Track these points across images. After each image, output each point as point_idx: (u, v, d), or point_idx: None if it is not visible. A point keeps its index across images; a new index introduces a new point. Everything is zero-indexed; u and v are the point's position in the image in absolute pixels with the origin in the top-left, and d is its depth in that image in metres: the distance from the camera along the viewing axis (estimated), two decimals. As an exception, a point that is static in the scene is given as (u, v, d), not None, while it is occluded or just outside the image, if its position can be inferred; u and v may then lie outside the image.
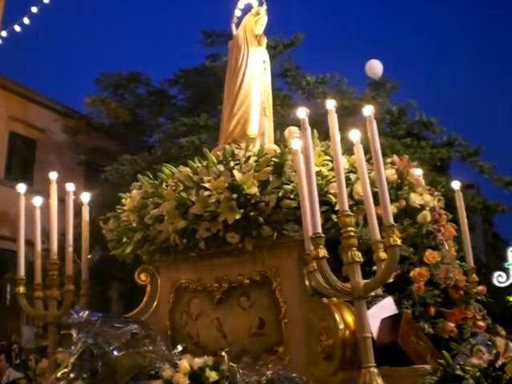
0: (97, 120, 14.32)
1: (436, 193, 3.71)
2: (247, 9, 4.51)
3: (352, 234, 2.77)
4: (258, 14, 4.37)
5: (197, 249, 3.60)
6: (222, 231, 3.45)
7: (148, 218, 3.72)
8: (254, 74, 4.19)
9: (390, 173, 3.50)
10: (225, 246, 3.57)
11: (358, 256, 2.76)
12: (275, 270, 3.48)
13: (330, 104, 2.93)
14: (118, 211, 4.01)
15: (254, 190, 3.38)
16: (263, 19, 4.38)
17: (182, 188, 3.59)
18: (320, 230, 2.75)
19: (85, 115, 14.42)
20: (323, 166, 3.45)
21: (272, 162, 3.42)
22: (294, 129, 3.76)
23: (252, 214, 3.34)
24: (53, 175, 3.94)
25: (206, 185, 3.49)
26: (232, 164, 3.50)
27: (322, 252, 2.73)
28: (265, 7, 4.40)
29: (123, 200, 4.05)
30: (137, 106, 14.45)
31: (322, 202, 3.32)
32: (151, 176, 3.97)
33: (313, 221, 2.76)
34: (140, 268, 4.00)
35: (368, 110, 2.94)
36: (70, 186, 3.88)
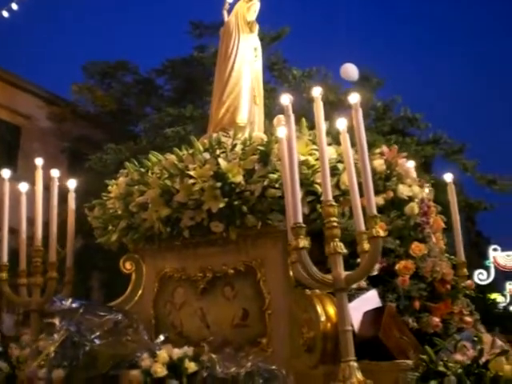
0: (83, 108, 14.16)
1: (426, 184, 3.64)
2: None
3: (335, 224, 2.71)
4: (250, 0, 4.29)
5: (181, 238, 3.54)
6: (206, 220, 3.40)
7: (133, 205, 3.67)
8: (245, 61, 4.11)
9: (378, 163, 3.44)
10: (209, 236, 3.51)
11: (340, 247, 2.70)
12: (260, 260, 3.42)
13: (316, 91, 2.86)
14: (104, 198, 3.96)
15: (239, 178, 3.31)
16: (256, 5, 4.29)
17: (166, 176, 3.52)
18: (301, 219, 2.69)
19: (71, 103, 14.19)
20: (310, 155, 3.38)
21: (258, 151, 3.35)
22: (282, 117, 3.68)
23: (236, 203, 3.28)
24: (38, 161, 3.89)
25: (191, 173, 3.43)
26: (218, 152, 3.43)
27: (303, 242, 2.66)
28: None
29: (109, 187, 4.00)
30: (123, 95, 14.25)
31: (308, 192, 3.28)
32: (137, 164, 3.90)
33: (294, 210, 2.70)
34: (125, 256, 3.94)
35: (354, 98, 2.87)
36: (55, 172, 3.83)
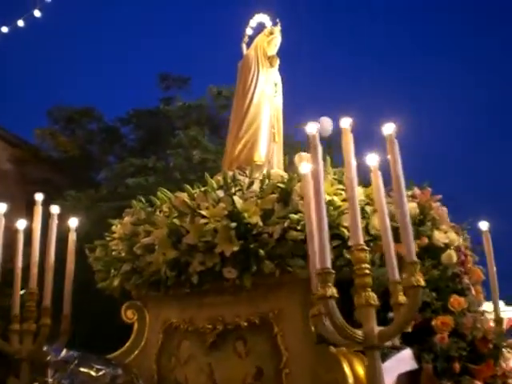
0: (45, 152, 14.25)
1: (461, 231, 3.30)
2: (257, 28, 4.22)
3: (367, 271, 2.37)
4: (271, 33, 4.07)
5: (189, 284, 3.19)
6: (218, 265, 3.05)
7: (138, 247, 3.34)
8: (264, 97, 3.86)
9: (411, 206, 3.10)
10: (220, 282, 3.16)
11: (373, 298, 2.35)
12: (277, 312, 3.05)
13: (345, 123, 2.57)
14: (107, 239, 3.64)
15: (256, 219, 2.99)
16: (277, 40, 4.08)
17: (176, 215, 3.21)
18: (329, 264, 2.34)
19: (33, 146, 14.31)
20: (336, 195, 3.06)
21: (278, 189, 3.04)
22: (304, 155, 3.39)
23: (252, 246, 2.95)
24: (39, 196, 3.61)
25: (203, 212, 3.11)
26: (233, 190, 3.13)
27: (330, 291, 2.31)
28: (279, 27, 4.11)
29: (113, 227, 3.68)
30: (87, 142, 14.37)
31: (334, 236, 2.93)
32: (144, 202, 3.61)
33: (321, 254, 2.35)
34: (127, 304, 3.59)
35: (389, 129, 2.58)
36: (55, 209, 3.52)
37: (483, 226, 3.48)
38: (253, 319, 3.09)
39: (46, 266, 3.41)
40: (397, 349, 2.67)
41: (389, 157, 2.54)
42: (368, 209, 3.05)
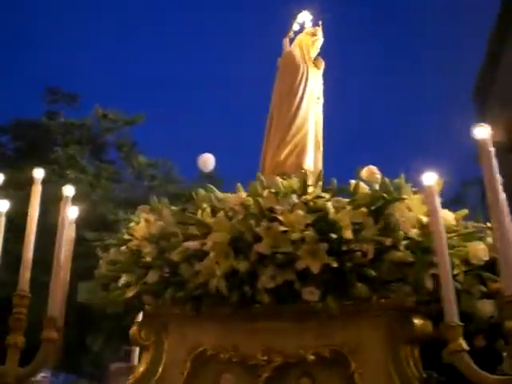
0: None
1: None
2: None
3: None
4: (314, 34, 3.68)
5: (248, 304, 2.60)
6: (297, 283, 2.51)
7: (178, 252, 2.69)
8: (312, 101, 3.43)
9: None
10: (281, 305, 2.62)
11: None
12: (355, 345, 2.57)
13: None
14: (126, 237, 2.92)
15: (349, 233, 2.52)
16: (320, 41, 3.69)
17: (241, 217, 2.63)
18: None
19: None
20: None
21: (381, 200, 2.60)
22: (374, 168, 2.99)
23: (348, 264, 2.46)
24: (38, 173, 2.84)
25: (280, 217, 2.57)
26: (326, 195, 2.64)
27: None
28: (321, 28, 3.73)
29: (132, 224, 2.98)
30: None
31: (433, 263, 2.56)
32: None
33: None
34: (141, 321, 2.88)
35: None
36: (69, 190, 2.77)
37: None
38: (322, 352, 2.57)
39: (54, 262, 2.64)
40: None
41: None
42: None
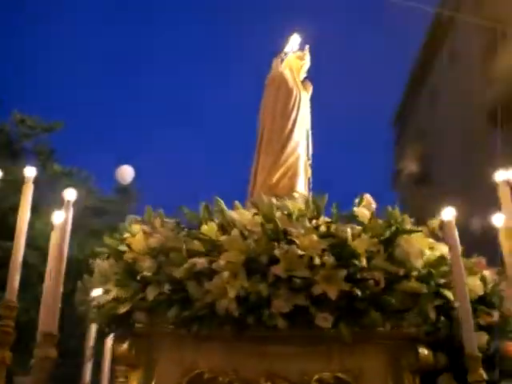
0: None
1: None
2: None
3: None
4: (302, 58, 3.71)
5: (259, 327, 2.53)
6: (312, 308, 2.49)
7: (184, 268, 2.57)
8: (303, 125, 3.45)
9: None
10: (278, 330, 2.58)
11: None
12: (357, 372, 2.59)
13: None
14: (120, 248, 2.75)
15: (363, 260, 2.55)
16: (307, 65, 3.72)
17: (256, 237, 2.57)
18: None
19: None
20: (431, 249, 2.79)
21: (394, 229, 2.65)
22: (370, 197, 3.05)
23: (367, 292, 2.49)
24: (30, 171, 2.63)
25: (297, 240, 2.55)
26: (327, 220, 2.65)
27: None
28: (308, 52, 3.76)
29: (126, 235, 2.81)
30: None
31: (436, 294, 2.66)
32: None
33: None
34: (130, 340, 2.70)
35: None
36: (70, 194, 2.57)
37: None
38: (326, 379, 2.57)
39: (51, 267, 2.43)
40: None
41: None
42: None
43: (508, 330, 2.89)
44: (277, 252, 2.50)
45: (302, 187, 3.29)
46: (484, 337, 2.65)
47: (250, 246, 2.54)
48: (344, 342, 2.56)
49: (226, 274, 2.51)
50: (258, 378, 2.57)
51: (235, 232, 2.59)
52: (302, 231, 2.60)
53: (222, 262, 2.52)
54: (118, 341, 2.74)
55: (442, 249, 2.80)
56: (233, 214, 2.72)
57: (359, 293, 2.46)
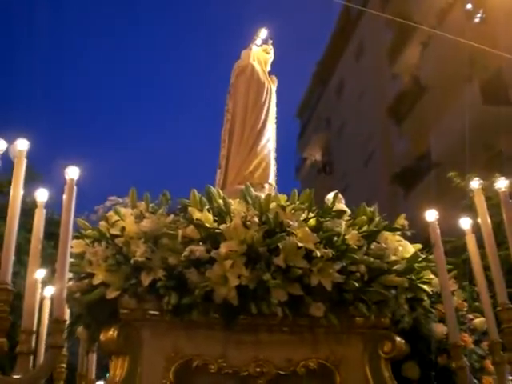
0: None
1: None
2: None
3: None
4: (268, 52, 3.76)
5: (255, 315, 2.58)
6: (307, 298, 2.59)
7: (185, 255, 2.54)
8: (273, 117, 3.51)
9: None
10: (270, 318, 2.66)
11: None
12: (339, 358, 2.72)
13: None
14: (112, 232, 2.64)
15: (359, 254, 2.70)
16: (271, 59, 3.78)
17: (256, 227, 2.60)
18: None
19: None
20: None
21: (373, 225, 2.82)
22: (339, 194, 3.18)
23: (357, 284, 2.63)
24: (22, 144, 2.45)
25: (295, 231, 2.63)
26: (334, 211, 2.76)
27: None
28: (271, 46, 3.80)
29: (115, 217, 2.69)
30: None
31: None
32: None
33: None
34: (117, 326, 2.60)
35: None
36: (73, 172, 2.44)
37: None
38: (310, 365, 2.68)
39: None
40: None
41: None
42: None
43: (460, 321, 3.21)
44: (279, 243, 2.56)
45: (273, 179, 3.36)
46: (441, 327, 2.90)
47: (252, 236, 2.57)
48: (329, 331, 2.71)
49: (228, 262, 2.52)
50: (247, 365, 2.62)
51: (237, 221, 2.61)
52: (296, 224, 2.68)
53: (223, 251, 2.53)
54: (102, 328, 2.63)
55: (407, 246, 3.03)
56: (231, 202, 2.73)
57: (351, 285, 2.59)
